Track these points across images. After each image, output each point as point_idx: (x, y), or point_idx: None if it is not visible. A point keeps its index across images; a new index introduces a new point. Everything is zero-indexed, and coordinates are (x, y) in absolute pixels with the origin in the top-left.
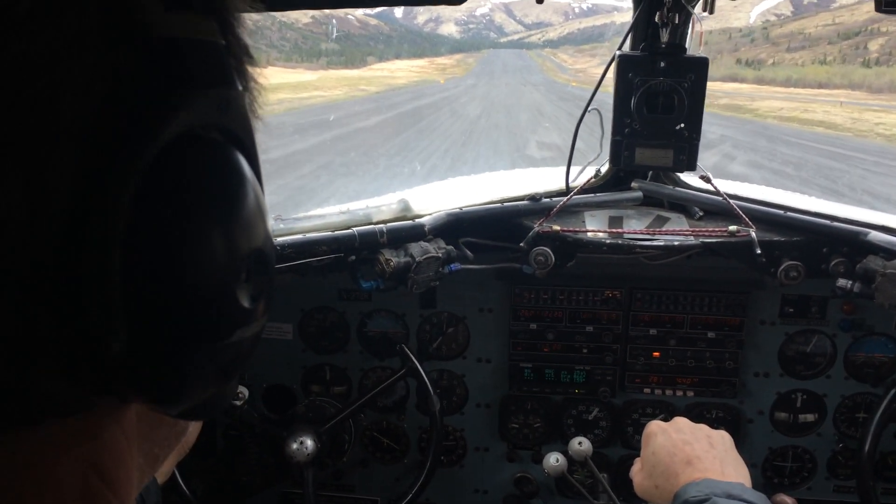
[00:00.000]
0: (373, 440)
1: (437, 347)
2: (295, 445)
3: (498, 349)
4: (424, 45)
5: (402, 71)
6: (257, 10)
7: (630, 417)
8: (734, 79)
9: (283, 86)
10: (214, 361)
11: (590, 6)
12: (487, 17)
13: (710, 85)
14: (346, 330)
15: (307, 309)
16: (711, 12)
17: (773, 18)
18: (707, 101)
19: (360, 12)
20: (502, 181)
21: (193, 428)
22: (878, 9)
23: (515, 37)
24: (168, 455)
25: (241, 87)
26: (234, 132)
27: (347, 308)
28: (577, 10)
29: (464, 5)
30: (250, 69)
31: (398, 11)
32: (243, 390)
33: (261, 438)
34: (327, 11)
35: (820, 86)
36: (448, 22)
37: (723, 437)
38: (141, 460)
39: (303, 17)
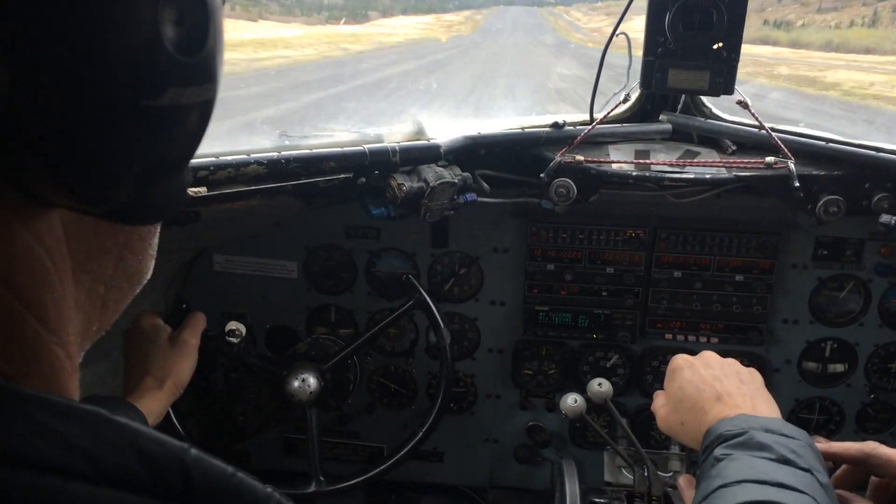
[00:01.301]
0: (379, 385)
1: (449, 289)
2: (296, 384)
3: (512, 291)
4: (433, 0)
5: (404, 27)
6: None
7: (650, 365)
8: (766, 41)
9: (246, 43)
10: (144, 134)
11: None
12: None
13: (748, 48)
14: (353, 269)
15: (312, 247)
16: None
17: None
18: (760, 69)
19: None
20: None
21: (182, 360)
22: None
23: None
24: (120, 301)
25: None
26: None
27: (355, 246)
28: None
29: None
30: None
31: None
32: (240, 327)
33: (259, 378)
34: None
35: (867, 51)
36: None
37: (753, 375)
38: (83, 298)
39: None
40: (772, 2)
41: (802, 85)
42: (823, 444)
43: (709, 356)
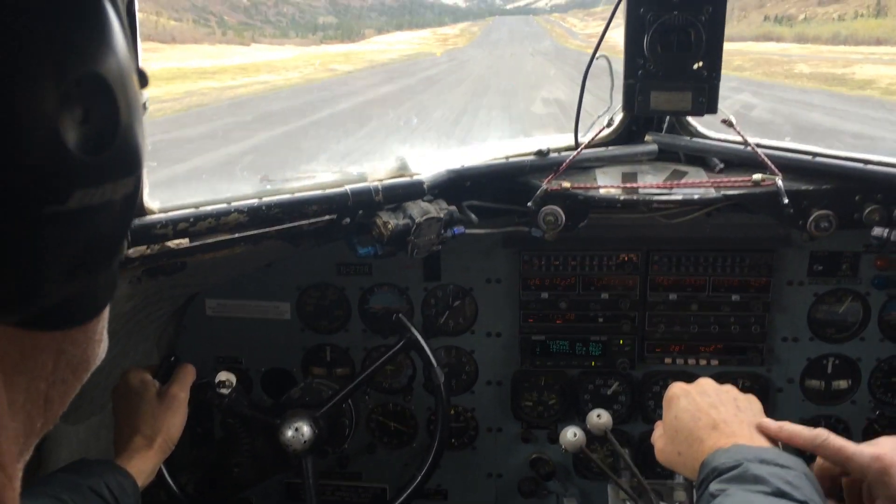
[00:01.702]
0: (379, 424)
1: (444, 322)
2: (290, 433)
3: (508, 322)
4: (428, 15)
5: (400, 43)
6: None
7: (651, 390)
8: (769, 37)
9: (227, 69)
10: (55, 240)
11: None
12: None
13: (752, 46)
14: (346, 307)
15: (304, 286)
16: None
17: None
18: (776, 69)
19: None
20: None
21: (172, 416)
22: None
23: (522, 2)
24: (66, 394)
25: None
26: None
27: (347, 283)
28: None
29: None
30: None
31: None
32: (230, 377)
33: (253, 428)
34: None
35: (878, 42)
36: None
37: (750, 401)
38: (20, 398)
39: None
40: None
41: (832, 84)
42: (774, 425)
43: (705, 383)
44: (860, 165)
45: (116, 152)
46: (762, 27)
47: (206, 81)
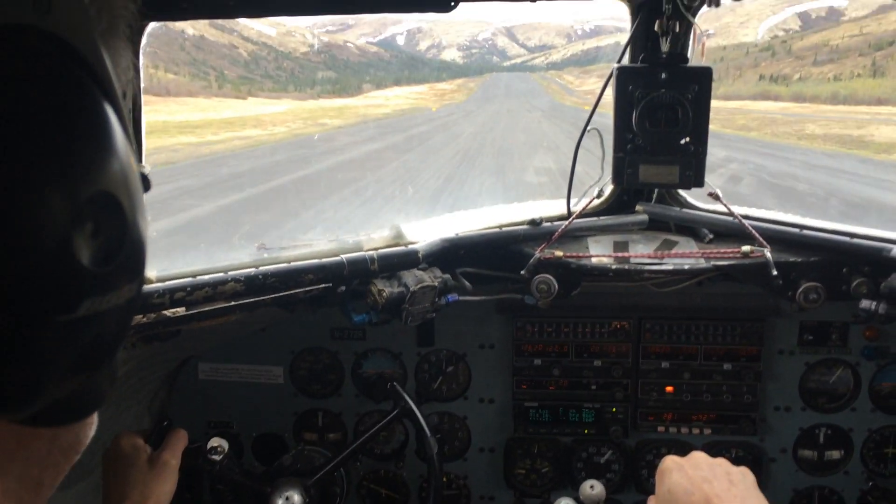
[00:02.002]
0: (370, 492)
1: (437, 388)
2: (280, 502)
3: (501, 388)
4: (425, 70)
5: (398, 98)
6: None
7: (644, 459)
8: (766, 96)
9: (211, 123)
10: (63, 344)
11: (592, 27)
12: (490, 42)
13: (751, 105)
14: (339, 372)
15: (297, 350)
16: (717, 5)
17: (781, 34)
18: (786, 129)
19: (360, 40)
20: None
21: (161, 484)
22: None
23: (518, 60)
24: (57, 476)
25: None
26: (64, 39)
27: (340, 348)
28: (579, 32)
29: (465, 30)
30: None
31: (400, 38)
32: (222, 444)
33: (243, 495)
34: (325, 39)
35: (879, 102)
36: (450, 47)
37: (744, 474)
38: (13, 486)
39: (300, 46)
40: (765, 56)
41: (851, 146)
42: None
43: (698, 456)
44: (846, 239)
45: (124, 260)
46: (759, 86)
47: (186, 136)
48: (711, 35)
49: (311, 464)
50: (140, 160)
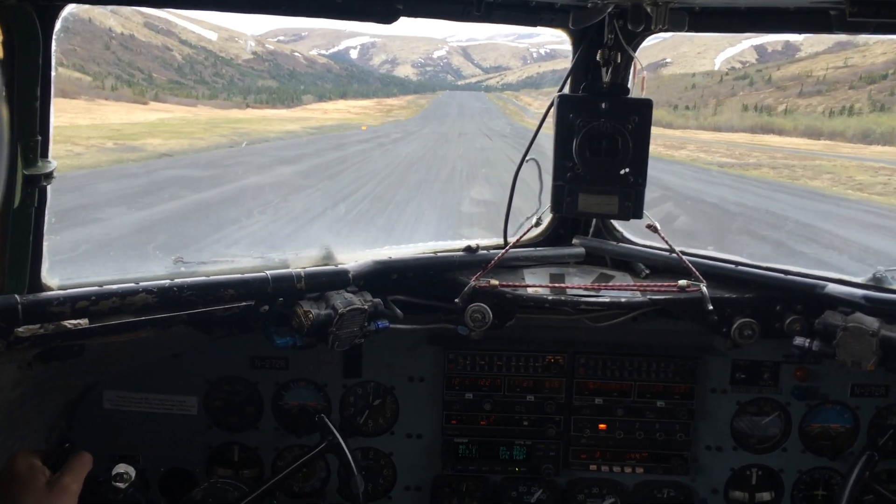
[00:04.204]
0: None
1: (363, 422)
2: None
3: (430, 423)
4: (376, 85)
5: (337, 112)
6: None
7: (575, 499)
8: (767, 129)
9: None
10: None
11: (548, 51)
12: (445, 60)
13: (752, 138)
14: (258, 403)
15: (214, 379)
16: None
17: (738, 65)
18: (794, 162)
19: (312, 51)
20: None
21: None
22: (840, 28)
23: (473, 80)
24: None
25: None
26: None
27: (261, 378)
28: (535, 55)
29: (421, 48)
30: None
31: (353, 52)
32: (129, 470)
33: None
34: (270, 47)
35: None
36: (405, 64)
37: None
38: None
39: (243, 53)
40: (743, 85)
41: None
42: None
43: None
44: (781, 276)
45: None
46: (760, 118)
47: None
48: (669, 63)
49: (224, 498)
50: (46, 155)
